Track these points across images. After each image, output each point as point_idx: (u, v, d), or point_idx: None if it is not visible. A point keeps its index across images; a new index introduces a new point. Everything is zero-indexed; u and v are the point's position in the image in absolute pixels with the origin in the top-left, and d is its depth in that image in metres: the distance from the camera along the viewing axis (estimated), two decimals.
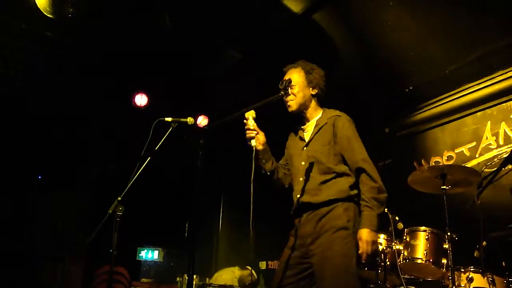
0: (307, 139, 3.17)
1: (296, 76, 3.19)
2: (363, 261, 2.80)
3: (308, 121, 3.22)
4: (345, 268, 2.80)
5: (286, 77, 3.21)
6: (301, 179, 3.08)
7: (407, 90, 5.67)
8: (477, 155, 5.16)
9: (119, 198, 3.10)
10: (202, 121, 6.14)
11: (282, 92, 3.07)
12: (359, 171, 2.96)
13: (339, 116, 3.12)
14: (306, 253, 2.95)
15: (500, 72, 5.01)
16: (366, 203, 2.85)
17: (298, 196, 3.05)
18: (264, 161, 3.08)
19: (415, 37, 4.93)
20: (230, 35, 5.31)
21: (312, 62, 3.37)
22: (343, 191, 2.94)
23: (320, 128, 3.12)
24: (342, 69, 5.55)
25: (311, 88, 3.20)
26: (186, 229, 5.68)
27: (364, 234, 2.78)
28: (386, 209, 4.09)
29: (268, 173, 3.12)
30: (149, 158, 3.20)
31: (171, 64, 5.71)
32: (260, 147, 3.00)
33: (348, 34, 5.16)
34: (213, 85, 6.15)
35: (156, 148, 3.24)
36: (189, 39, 5.38)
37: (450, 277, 3.53)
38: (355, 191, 2.98)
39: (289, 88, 3.13)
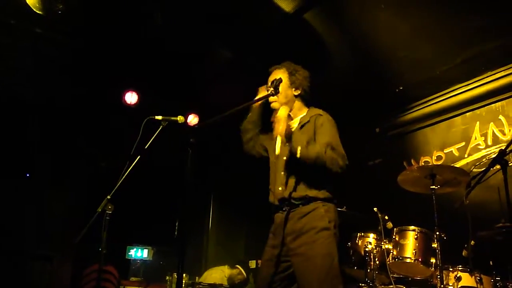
0: None
1: (280, 77, 3.23)
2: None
3: (292, 119, 3.26)
4: (327, 268, 2.85)
5: (271, 78, 3.27)
6: (282, 173, 3.12)
7: (397, 90, 5.70)
8: (466, 155, 5.20)
9: (108, 197, 3.09)
10: (193, 119, 6.11)
11: (272, 91, 3.10)
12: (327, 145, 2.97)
13: (321, 115, 3.16)
14: (287, 251, 2.97)
15: (489, 74, 5.06)
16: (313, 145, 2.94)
17: (280, 188, 3.08)
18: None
19: (406, 38, 4.95)
20: (221, 34, 5.30)
21: (303, 61, 3.40)
22: (323, 191, 2.98)
23: (303, 126, 3.17)
24: (333, 69, 5.57)
25: (294, 89, 3.25)
26: (176, 228, 5.66)
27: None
28: (375, 209, 4.13)
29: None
30: (139, 156, 3.19)
31: (162, 62, 5.69)
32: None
33: (339, 34, 5.16)
34: (204, 84, 6.14)
35: (146, 147, 3.23)
36: (181, 37, 5.36)
37: (438, 276, 3.55)
38: (332, 191, 3.04)
39: (279, 87, 3.15)
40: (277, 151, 3.04)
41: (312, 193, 2.98)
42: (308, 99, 3.33)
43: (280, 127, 2.91)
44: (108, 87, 5.89)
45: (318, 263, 2.84)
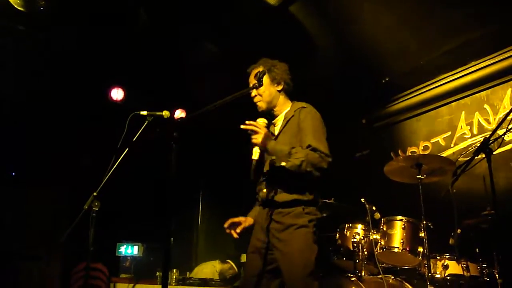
0: (276, 133, 3.21)
1: (263, 69, 3.21)
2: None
3: (278, 115, 3.27)
4: (303, 264, 2.88)
5: (251, 77, 3.26)
6: (264, 177, 3.15)
7: (383, 81, 5.72)
8: (452, 145, 5.24)
9: (94, 194, 3.06)
10: (179, 114, 6.08)
11: (256, 84, 3.10)
12: (308, 148, 2.95)
13: (304, 107, 3.15)
14: (270, 245, 3.02)
15: (474, 63, 5.08)
16: (294, 150, 2.87)
17: (264, 190, 3.11)
18: None
19: (391, 29, 4.97)
20: (207, 28, 5.28)
21: (288, 54, 3.39)
22: (306, 194, 2.99)
23: (288, 121, 3.16)
24: (318, 61, 5.57)
25: (275, 85, 3.24)
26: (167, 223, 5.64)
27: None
28: (363, 199, 4.15)
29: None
30: (125, 151, 3.16)
31: (148, 57, 5.65)
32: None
33: (325, 26, 5.17)
34: (191, 79, 6.11)
35: (133, 140, 3.20)
36: (166, 32, 5.33)
37: (426, 265, 3.59)
38: (316, 192, 3.05)
39: (262, 80, 3.14)
40: (255, 156, 2.98)
41: (295, 196, 3.00)
42: (291, 92, 3.32)
43: (260, 138, 2.87)
44: (94, 83, 5.84)
45: (294, 259, 2.89)
